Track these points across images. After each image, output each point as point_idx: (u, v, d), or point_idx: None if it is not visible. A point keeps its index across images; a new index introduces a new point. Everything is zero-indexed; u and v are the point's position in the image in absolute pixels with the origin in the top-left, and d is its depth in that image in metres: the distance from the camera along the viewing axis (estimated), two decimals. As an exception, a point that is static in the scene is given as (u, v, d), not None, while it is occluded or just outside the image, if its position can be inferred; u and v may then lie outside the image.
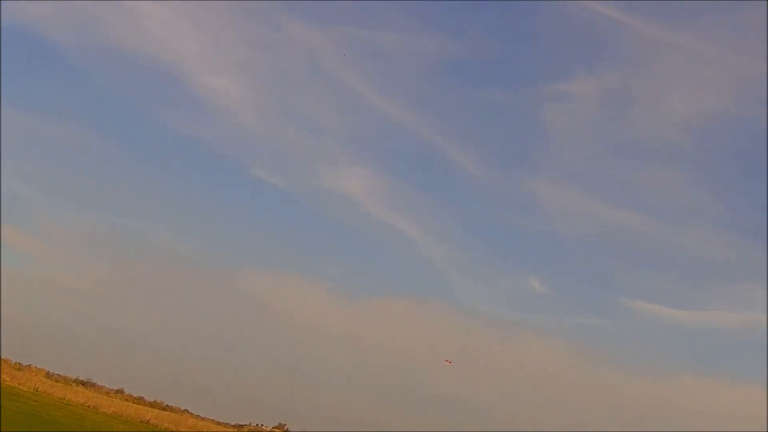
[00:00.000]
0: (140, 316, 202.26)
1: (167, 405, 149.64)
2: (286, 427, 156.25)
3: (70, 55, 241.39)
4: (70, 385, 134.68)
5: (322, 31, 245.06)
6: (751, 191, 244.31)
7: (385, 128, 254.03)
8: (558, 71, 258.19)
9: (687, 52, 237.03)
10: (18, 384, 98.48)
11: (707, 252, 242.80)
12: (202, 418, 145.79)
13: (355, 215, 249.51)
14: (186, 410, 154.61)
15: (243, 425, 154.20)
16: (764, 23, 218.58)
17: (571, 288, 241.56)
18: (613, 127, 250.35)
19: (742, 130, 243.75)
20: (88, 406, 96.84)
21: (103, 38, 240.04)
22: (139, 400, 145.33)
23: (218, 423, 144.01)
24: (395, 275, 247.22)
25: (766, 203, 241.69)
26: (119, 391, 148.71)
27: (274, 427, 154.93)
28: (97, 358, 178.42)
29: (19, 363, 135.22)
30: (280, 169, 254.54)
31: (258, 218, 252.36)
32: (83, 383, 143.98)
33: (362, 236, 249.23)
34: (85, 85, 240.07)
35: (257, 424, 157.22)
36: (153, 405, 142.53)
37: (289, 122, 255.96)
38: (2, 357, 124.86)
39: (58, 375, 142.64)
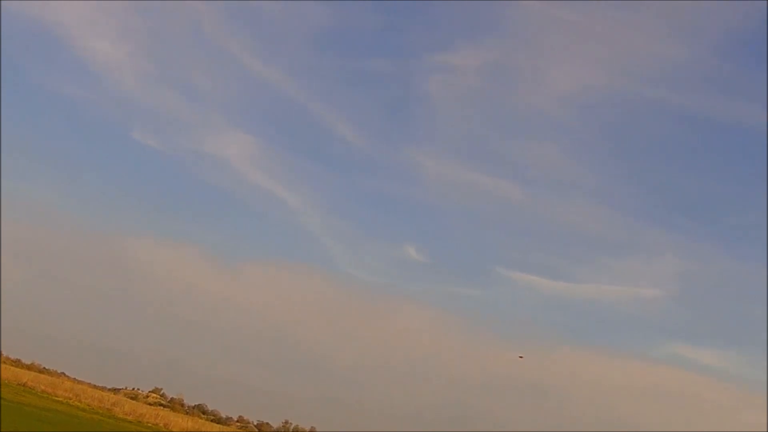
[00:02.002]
0: (17, 277, 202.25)
1: (44, 368, 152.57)
2: (162, 391, 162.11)
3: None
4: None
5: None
6: (630, 167, 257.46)
7: (267, 96, 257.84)
8: (441, 43, 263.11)
9: (570, 26, 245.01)
10: None
11: (584, 225, 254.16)
12: (79, 382, 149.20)
13: (233, 181, 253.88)
14: (63, 373, 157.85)
15: (119, 389, 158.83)
16: (652, 2, 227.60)
17: (448, 257, 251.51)
18: (494, 100, 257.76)
19: (621, 106, 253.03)
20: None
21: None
22: (17, 363, 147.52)
23: (95, 386, 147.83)
24: (273, 241, 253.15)
25: (645, 179, 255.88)
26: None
27: (149, 392, 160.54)
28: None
29: None
30: (160, 133, 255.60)
31: (137, 183, 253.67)
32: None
33: (240, 202, 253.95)
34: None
35: (133, 388, 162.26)
36: (30, 368, 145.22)
37: (170, 87, 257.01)
38: None
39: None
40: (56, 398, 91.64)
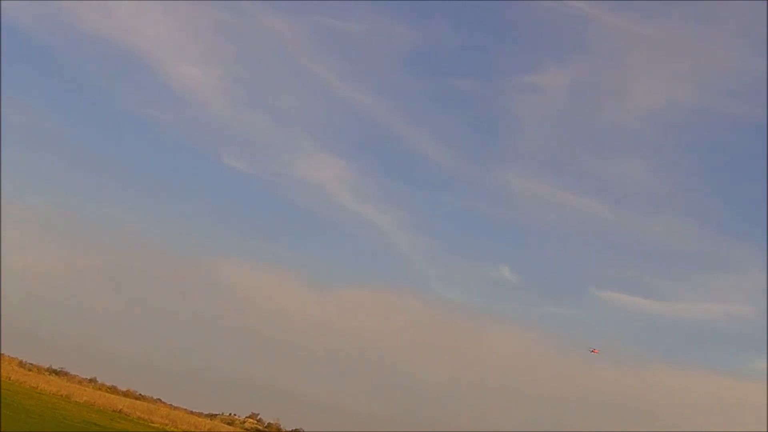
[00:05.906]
0: (111, 304, 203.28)
1: (140, 394, 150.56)
2: (258, 416, 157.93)
3: (44, 45, 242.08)
4: (43, 374, 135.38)
5: (293, 21, 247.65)
6: (716, 182, 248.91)
7: (354, 117, 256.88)
8: (528, 63, 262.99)
9: (655, 44, 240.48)
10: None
11: (673, 242, 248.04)
12: (175, 408, 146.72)
13: (324, 204, 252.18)
14: (159, 399, 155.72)
15: (216, 414, 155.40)
16: (732, 17, 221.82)
17: (541, 277, 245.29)
18: (581, 118, 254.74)
19: (705, 121, 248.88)
20: (61, 395, 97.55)
21: (77, 29, 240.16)
22: (112, 390, 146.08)
23: (191, 412, 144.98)
24: (365, 265, 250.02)
25: (732, 194, 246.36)
26: (92, 381, 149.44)
27: (246, 417, 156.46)
28: (71, 347, 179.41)
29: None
30: (251, 157, 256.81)
31: (228, 206, 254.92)
32: (56, 372, 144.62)
33: (332, 225, 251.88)
34: (58, 74, 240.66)
35: (230, 414, 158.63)
36: (126, 394, 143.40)
37: (259, 111, 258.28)
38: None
39: (31, 364, 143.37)
40: (152, 424, 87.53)
